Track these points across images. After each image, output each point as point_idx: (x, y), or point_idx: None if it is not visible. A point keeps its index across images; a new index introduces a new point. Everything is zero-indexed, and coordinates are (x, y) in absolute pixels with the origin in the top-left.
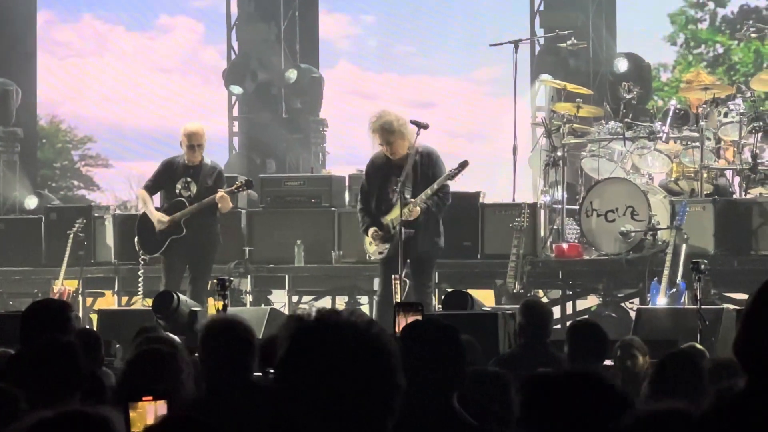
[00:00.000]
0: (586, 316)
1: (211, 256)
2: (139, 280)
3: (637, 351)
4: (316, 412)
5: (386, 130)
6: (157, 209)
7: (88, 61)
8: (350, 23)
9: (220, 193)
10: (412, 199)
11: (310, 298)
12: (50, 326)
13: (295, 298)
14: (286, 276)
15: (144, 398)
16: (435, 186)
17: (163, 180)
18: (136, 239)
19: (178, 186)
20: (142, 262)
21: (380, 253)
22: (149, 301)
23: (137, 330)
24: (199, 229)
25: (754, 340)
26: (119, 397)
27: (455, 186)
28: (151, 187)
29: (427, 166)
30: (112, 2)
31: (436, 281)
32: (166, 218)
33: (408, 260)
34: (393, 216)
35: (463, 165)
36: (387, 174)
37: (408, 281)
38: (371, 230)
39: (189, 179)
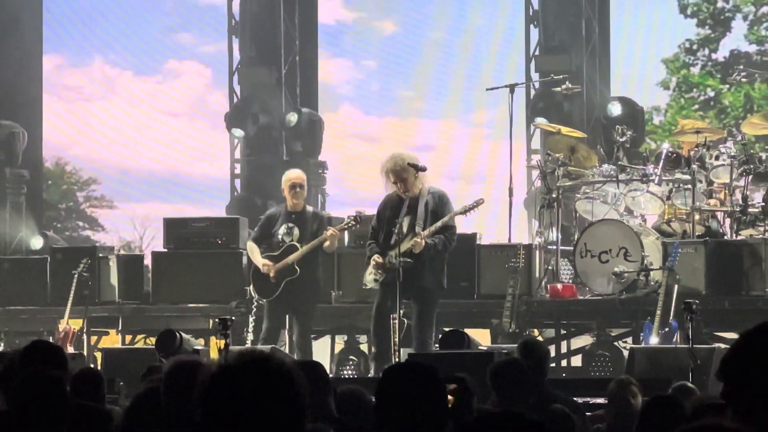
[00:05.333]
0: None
1: (316, 298)
2: (251, 327)
3: (630, 390)
4: None
5: (401, 168)
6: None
7: (96, 104)
8: (352, 68)
9: (332, 230)
10: (421, 231)
11: (311, 337)
12: (49, 364)
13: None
14: (287, 315)
15: None
16: (446, 219)
17: (268, 230)
18: (251, 287)
19: (281, 232)
20: (254, 308)
21: (375, 280)
22: (152, 340)
23: (145, 369)
24: (309, 269)
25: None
26: None
27: None
28: (258, 239)
29: (437, 206)
30: (121, 47)
31: None
32: (269, 263)
33: (409, 295)
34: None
35: (479, 202)
36: (399, 211)
37: (406, 321)
38: (374, 257)
39: (291, 224)
